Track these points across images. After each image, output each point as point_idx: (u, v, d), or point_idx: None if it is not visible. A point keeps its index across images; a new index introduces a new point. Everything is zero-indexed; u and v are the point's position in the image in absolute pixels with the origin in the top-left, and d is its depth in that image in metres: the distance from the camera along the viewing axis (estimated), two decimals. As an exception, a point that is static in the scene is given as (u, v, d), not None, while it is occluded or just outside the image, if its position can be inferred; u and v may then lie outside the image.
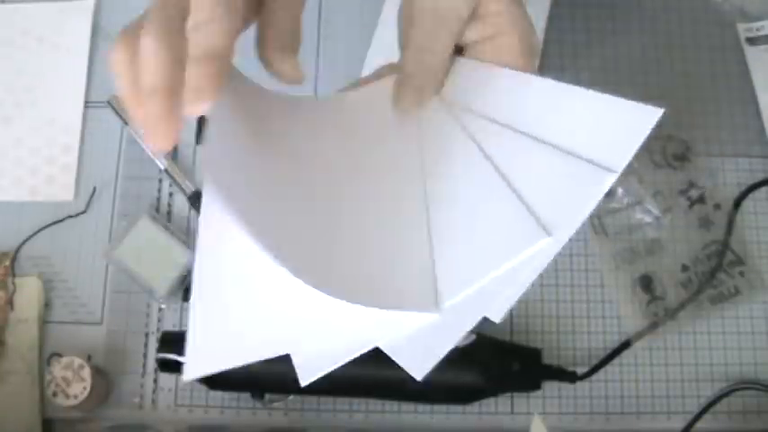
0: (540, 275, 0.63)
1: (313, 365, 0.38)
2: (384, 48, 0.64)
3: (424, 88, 0.41)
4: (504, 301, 0.34)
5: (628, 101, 0.36)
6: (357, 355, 0.37)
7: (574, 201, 0.35)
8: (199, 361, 0.37)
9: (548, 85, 0.39)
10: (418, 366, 0.37)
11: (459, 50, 0.42)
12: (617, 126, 0.36)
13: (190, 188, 0.63)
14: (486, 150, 0.38)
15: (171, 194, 0.65)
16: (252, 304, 0.37)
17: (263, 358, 0.37)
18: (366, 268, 0.37)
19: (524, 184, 0.36)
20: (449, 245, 0.35)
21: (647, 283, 0.61)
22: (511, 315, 0.61)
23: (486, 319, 0.60)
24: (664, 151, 0.64)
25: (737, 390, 0.59)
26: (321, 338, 0.37)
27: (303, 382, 0.37)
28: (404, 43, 0.42)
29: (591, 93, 0.37)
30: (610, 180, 0.35)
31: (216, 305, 0.38)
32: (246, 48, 0.40)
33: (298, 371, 0.38)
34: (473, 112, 0.40)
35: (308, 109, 0.43)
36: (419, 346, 0.37)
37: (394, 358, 0.37)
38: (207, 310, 0.38)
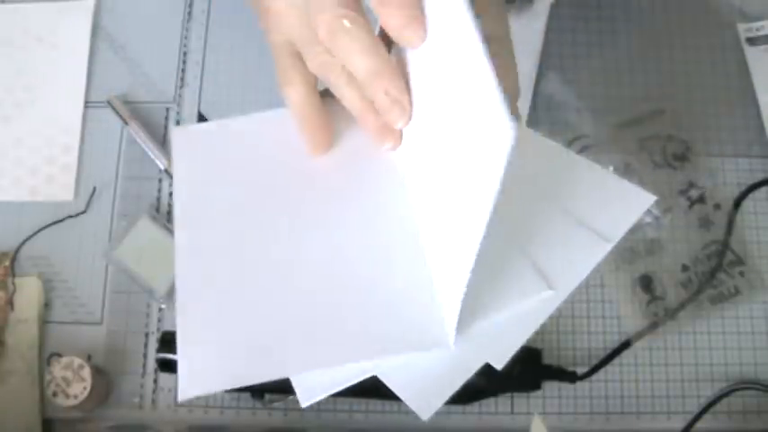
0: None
1: (313, 388, 0.39)
2: None
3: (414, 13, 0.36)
4: (507, 347, 0.38)
5: (629, 183, 0.40)
6: (358, 380, 0.39)
7: (575, 263, 0.40)
8: (193, 382, 0.38)
9: (557, 150, 0.42)
10: (425, 407, 0.39)
11: None
12: (618, 203, 0.40)
13: (190, 188, 0.63)
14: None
15: (171, 194, 0.65)
16: (245, 328, 0.39)
17: (260, 381, 0.37)
18: (361, 318, 0.38)
19: (532, 240, 0.39)
20: (452, 287, 0.36)
21: (647, 283, 0.61)
22: (511, 315, 0.61)
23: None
24: (664, 151, 0.64)
25: (737, 390, 0.59)
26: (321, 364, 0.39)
27: (304, 404, 0.38)
28: None
29: (599, 168, 0.41)
30: (607, 249, 0.40)
31: (206, 326, 0.40)
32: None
33: (297, 392, 0.39)
34: None
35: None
36: (425, 387, 0.39)
37: (400, 396, 0.39)
38: (196, 329, 0.40)
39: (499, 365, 0.38)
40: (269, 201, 0.41)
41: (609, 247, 0.39)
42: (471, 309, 0.36)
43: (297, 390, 0.39)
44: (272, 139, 0.43)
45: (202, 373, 0.38)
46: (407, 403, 0.38)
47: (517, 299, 0.37)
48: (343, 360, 0.38)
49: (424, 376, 0.39)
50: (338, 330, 0.38)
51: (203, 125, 0.47)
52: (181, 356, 0.39)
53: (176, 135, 0.44)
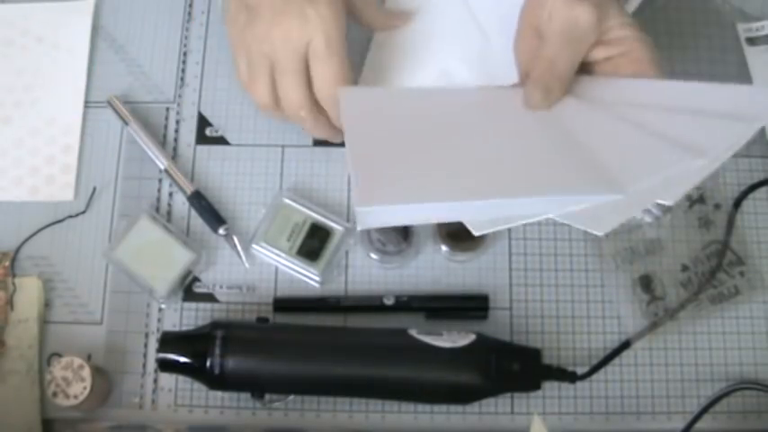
0: (540, 273, 0.63)
1: (485, 222, 0.45)
2: (377, 68, 0.64)
3: (552, 90, 0.53)
4: (679, 186, 0.45)
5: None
6: (531, 221, 0.46)
7: (723, 131, 0.47)
8: (371, 192, 0.45)
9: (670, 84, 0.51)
10: (599, 226, 0.45)
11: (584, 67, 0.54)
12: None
13: (190, 188, 0.63)
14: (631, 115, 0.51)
15: (171, 194, 0.65)
16: (420, 165, 0.48)
17: (438, 200, 0.45)
18: (536, 168, 0.48)
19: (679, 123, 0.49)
20: (612, 151, 0.48)
21: (647, 283, 0.61)
22: (511, 315, 0.61)
23: (487, 320, 0.60)
24: (664, 151, 0.64)
25: (737, 390, 0.59)
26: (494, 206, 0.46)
27: (476, 233, 0.45)
28: (528, 56, 0.55)
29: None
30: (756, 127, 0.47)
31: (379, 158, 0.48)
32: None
33: (469, 225, 0.45)
34: (603, 103, 0.52)
35: (442, 95, 0.58)
36: (599, 213, 0.45)
37: (571, 223, 0.46)
38: (370, 156, 0.48)
39: (672, 201, 0.45)
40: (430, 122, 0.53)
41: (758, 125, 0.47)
42: (641, 163, 0.47)
43: (468, 224, 0.45)
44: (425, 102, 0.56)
45: (378, 187, 0.45)
46: (578, 226, 0.46)
47: (675, 161, 0.46)
48: (523, 194, 0.46)
49: (597, 208, 0.46)
50: (520, 172, 0.48)
51: (367, 88, 0.61)
52: (355, 170, 0.47)
53: (344, 92, 0.55)
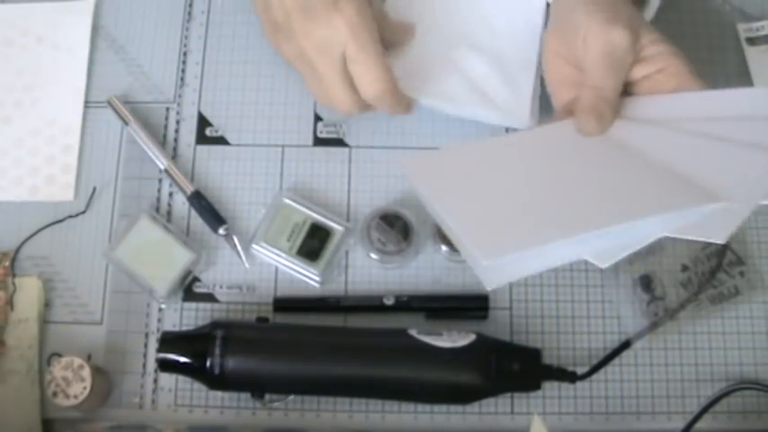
0: (540, 273, 0.63)
1: (607, 253, 0.46)
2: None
3: (604, 115, 0.53)
4: None
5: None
6: (648, 242, 0.46)
7: None
8: (491, 246, 0.44)
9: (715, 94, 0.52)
10: (718, 234, 0.45)
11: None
12: None
13: (190, 188, 0.63)
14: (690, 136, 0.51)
15: (171, 194, 0.65)
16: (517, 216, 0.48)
17: (558, 239, 0.45)
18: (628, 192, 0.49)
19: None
20: (696, 163, 0.49)
21: (647, 283, 0.61)
22: (511, 315, 0.61)
23: (487, 320, 0.60)
24: (664, 151, 0.64)
25: (737, 390, 0.59)
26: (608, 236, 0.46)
27: (603, 266, 0.46)
28: (561, 84, 0.58)
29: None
30: None
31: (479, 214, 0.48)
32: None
33: (594, 259, 0.46)
34: (655, 121, 0.53)
35: (500, 144, 0.59)
36: (713, 222, 0.45)
37: (690, 237, 0.46)
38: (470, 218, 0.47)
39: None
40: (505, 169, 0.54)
41: None
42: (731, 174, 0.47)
43: (592, 259, 0.46)
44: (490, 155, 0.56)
45: (494, 239, 0.45)
46: (697, 238, 0.46)
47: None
48: (637, 217, 0.45)
49: (710, 217, 0.46)
50: (621, 197, 0.48)
51: (426, 153, 0.63)
52: (460, 229, 0.46)
53: (406, 165, 0.58)
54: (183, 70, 0.69)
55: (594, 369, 0.58)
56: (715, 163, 0.49)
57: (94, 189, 0.65)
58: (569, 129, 0.55)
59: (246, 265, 0.62)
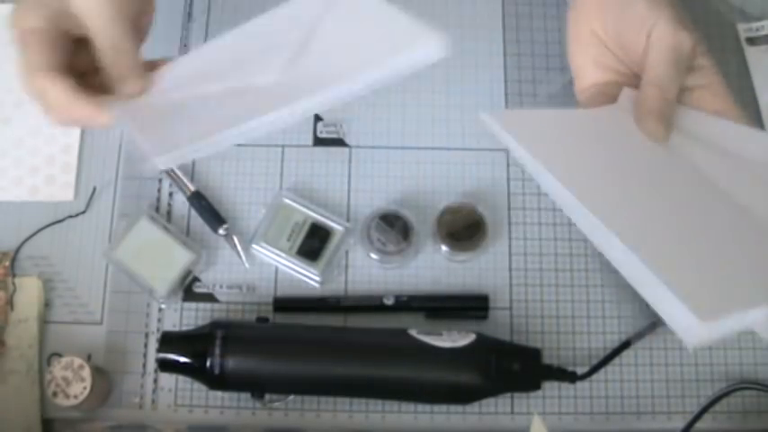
0: (540, 273, 0.63)
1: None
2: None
3: (671, 121, 0.50)
4: None
5: None
6: None
7: None
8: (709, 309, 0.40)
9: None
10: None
11: None
12: None
13: (190, 188, 0.63)
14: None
15: (171, 194, 0.65)
16: None
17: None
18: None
19: None
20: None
21: (647, 283, 0.61)
22: (511, 315, 0.61)
23: (487, 320, 0.60)
24: (664, 151, 0.64)
25: (737, 390, 0.59)
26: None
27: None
28: (585, 62, 0.55)
29: None
30: None
31: None
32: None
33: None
34: (716, 147, 0.50)
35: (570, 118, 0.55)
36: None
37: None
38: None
39: None
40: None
41: None
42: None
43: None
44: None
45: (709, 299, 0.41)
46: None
47: None
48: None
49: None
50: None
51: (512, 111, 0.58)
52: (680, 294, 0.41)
53: (493, 118, 0.51)
54: (183, 70, 0.68)
55: (594, 369, 0.58)
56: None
57: (94, 189, 0.65)
58: (625, 121, 0.52)
59: (246, 265, 0.62)
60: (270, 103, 0.46)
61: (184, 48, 0.69)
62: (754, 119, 0.66)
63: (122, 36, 0.48)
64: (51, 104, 0.48)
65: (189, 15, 0.71)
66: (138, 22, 0.51)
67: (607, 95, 0.55)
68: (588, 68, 0.56)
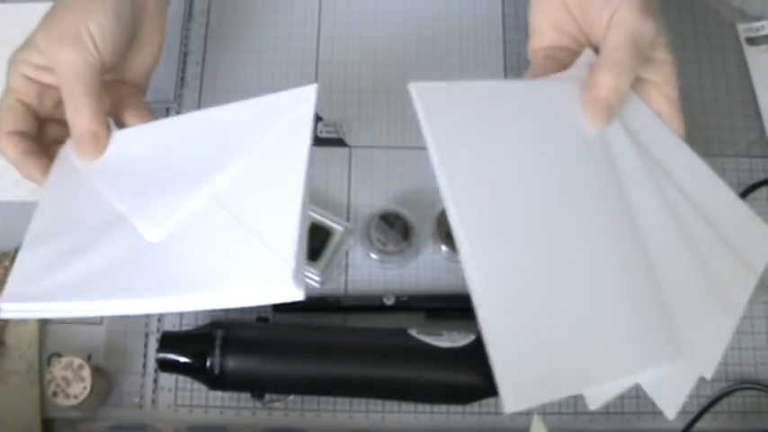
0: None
1: (601, 393, 0.44)
2: None
3: (613, 110, 0.48)
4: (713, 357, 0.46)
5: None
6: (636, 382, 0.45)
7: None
8: (517, 396, 0.42)
9: (700, 166, 0.50)
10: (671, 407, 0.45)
11: None
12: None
13: (190, 188, 0.63)
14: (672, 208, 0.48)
15: (171, 194, 0.65)
16: (546, 336, 0.43)
17: (571, 393, 0.45)
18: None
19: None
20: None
21: (647, 283, 0.61)
22: (511, 315, 0.61)
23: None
24: (664, 151, 0.64)
25: (737, 390, 0.59)
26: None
27: (593, 407, 0.44)
28: (598, 64, 0.49)
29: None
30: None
31: (514, 335, 0.44)
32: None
33: (588, 398, 0.44)
34: (647, 151, 0.48)
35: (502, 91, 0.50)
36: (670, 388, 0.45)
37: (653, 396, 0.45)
38: (506, 337, 0.44)
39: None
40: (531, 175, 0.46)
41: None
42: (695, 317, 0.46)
43: (587, 397, 0.44)
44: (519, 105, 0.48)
45: (523, 386, 0.42)
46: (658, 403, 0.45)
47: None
48: (606, 378, 0.43)
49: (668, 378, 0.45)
50: (600, 345, 0.43)
51: (442, 84, 0.48)
52: (499, 370, 0.43)
53: (417, 91, 0.46)
54: (184, 70, 0.69)
55: (594, 369, 0.58)
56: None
57: (94, 189, 0.65)
58: (568, 95, 0.49)
59: (246, 265, 0.62)
60: (136, 288, 0.45)
61: (184, 47, 0.69)
62: (755, 119, 0.66)
63: (83, 98, 0.51)
64: (10, 162, 0.53)
65: (189, 15, 0.71)
66: (136, 64, 0.56)
67: (557, 60, 0.53)
68: (546, 30, 0.54)
